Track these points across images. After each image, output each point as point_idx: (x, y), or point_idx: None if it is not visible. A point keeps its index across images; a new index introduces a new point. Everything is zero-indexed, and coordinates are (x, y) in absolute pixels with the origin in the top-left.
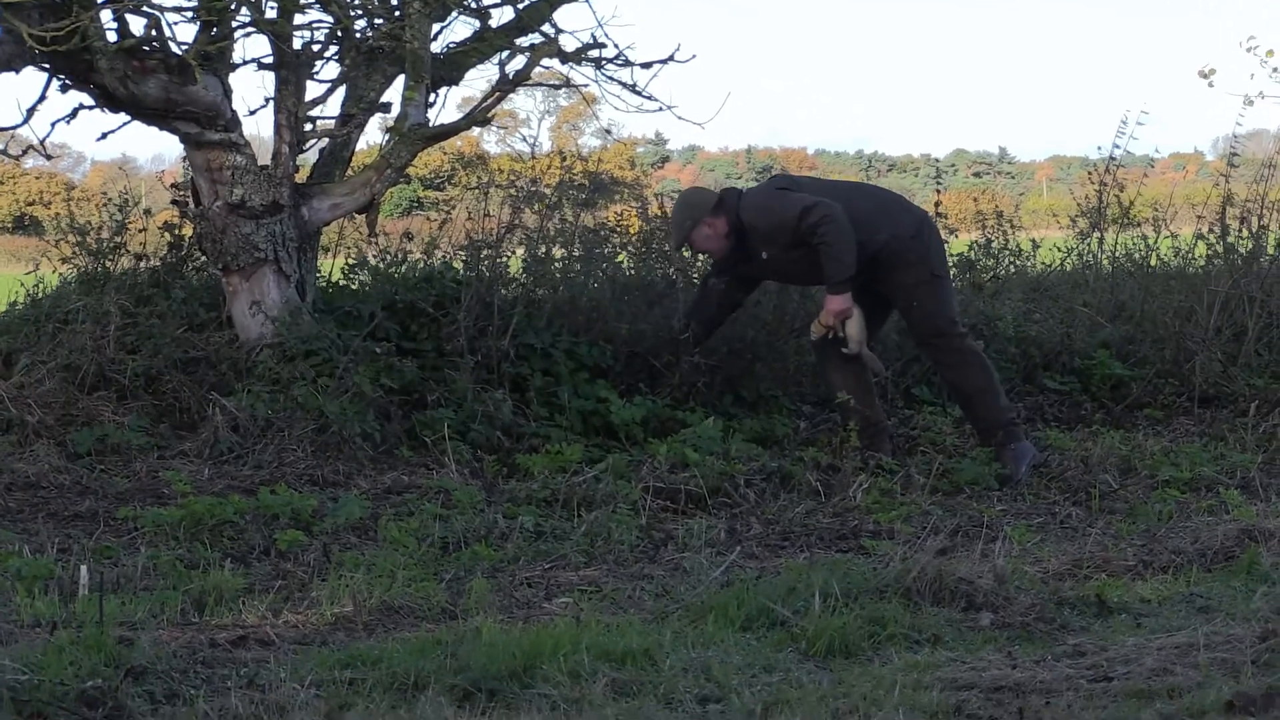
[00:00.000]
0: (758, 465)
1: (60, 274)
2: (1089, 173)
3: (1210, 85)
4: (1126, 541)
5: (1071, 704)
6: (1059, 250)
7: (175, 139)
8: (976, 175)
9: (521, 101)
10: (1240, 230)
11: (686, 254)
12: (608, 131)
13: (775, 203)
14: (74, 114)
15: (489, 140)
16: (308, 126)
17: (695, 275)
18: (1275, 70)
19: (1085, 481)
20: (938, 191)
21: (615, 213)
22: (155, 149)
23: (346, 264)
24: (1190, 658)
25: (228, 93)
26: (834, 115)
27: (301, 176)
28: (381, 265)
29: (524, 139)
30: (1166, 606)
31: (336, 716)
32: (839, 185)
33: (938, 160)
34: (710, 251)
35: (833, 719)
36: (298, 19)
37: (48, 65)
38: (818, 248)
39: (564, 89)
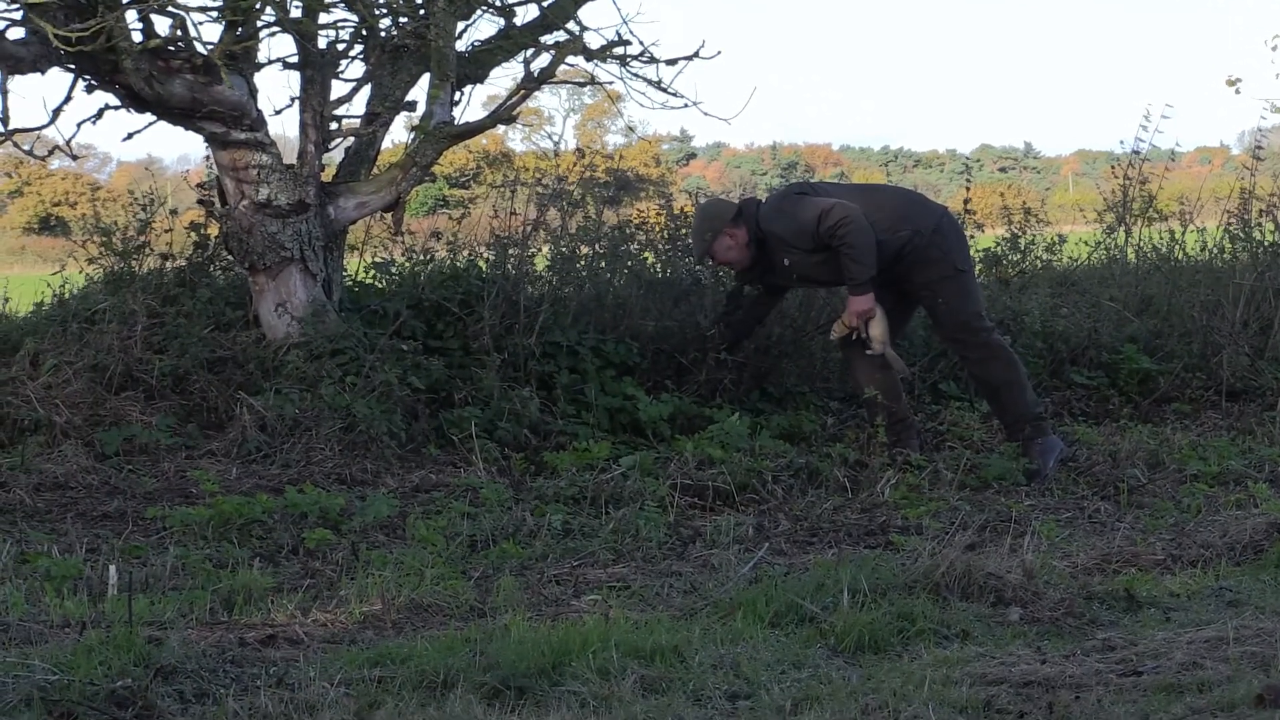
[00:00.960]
0: (785, 461)
1: (87, 274)
2: (1113, 167)
3: (1237, 93)
4: (1155, 536)
5: (1101, 698)
6: (1086, 245)
7: (201, 139)
8: (1002, 170)
9: (546, 99)
10: (1263, 223)
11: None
12: (631, 129)
13: (794, 208)
14: (100, 114)
15: (514, 138)
16: (333, 125)
17: (721, 273)
18: None
19: (1113, 476)
20: (966, 187)
21: (640, 210)
22: (181, 149)
23: (372, 263)
24: (1220, 651)
25: (253, 92)
26: (859, 112)
27: (327, 175)
28: (407, 264)
29: (549, 137)
30: (1195, 600)
31: (366, 715)
32: (855, 187)
33: (966, 156)
34: (732, 262)
35: (862, 715)
36: (322, 18)
37: (73, 66)
38: (839, 250)
39: (589, 87)
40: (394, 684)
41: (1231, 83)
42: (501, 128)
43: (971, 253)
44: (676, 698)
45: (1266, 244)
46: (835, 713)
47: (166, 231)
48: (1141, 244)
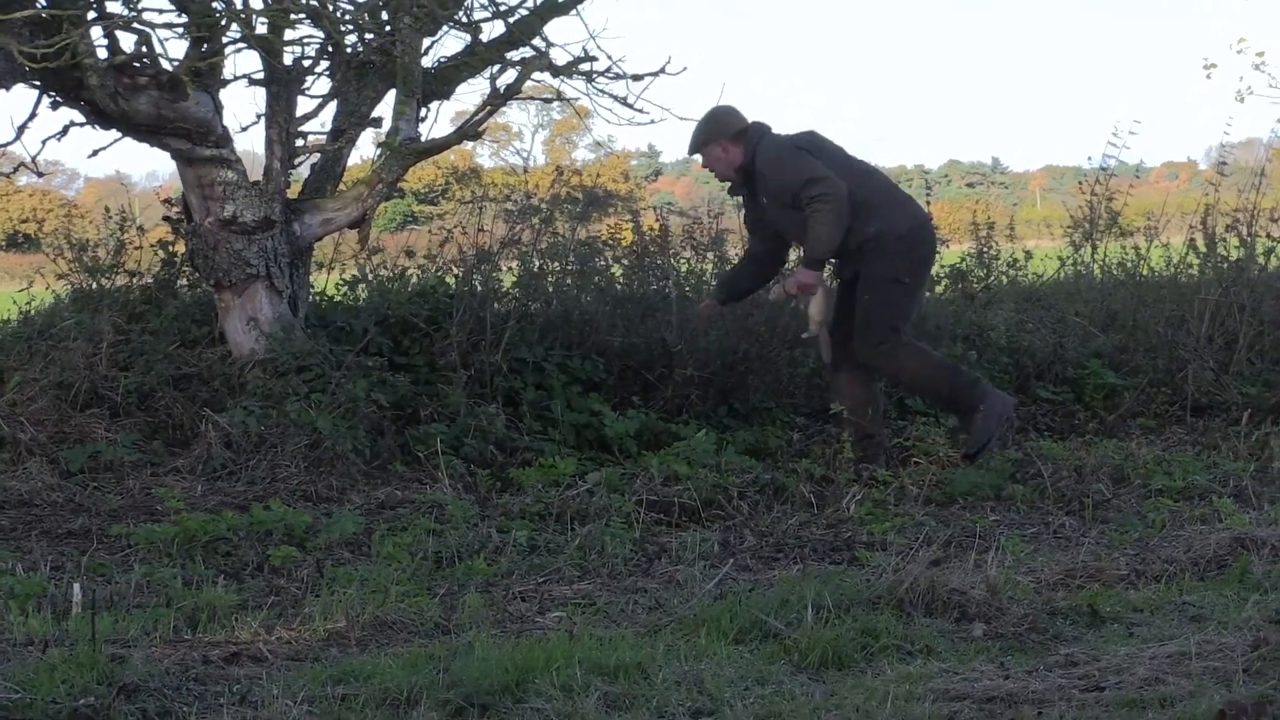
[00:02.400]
0: (751, 477)
1: (54, 291)
2: (1079, 183)
3: (1209, 78)
4: (1119, 551)
5: (1064, 714)
6: (1057, 259)
7: (168, 155)
8: (970, 186)
9: (515, 115)
10: (1229, 238)
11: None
12: (599, 145)
13: (790, 160)
14: (65, 131)
15: (483, 154)
16: (299, 142)
17: (689, 288)
18: (1262, 65)
19: (1078, 491)
20: (927, 203)
21: (609, 226)
22: (150, 165)
23: (341, 280)
24: (1182, 667)
25: (219, 109)
26: (829, 123)
27: (293, 192)
28: (377, 281)
29: (517, 152)
30: (1159, 615)
31: None
32: (856, 165)
33: (929, 172)
34: (715, 173)
35: None
36: (288, 34)
37: (38, 82)
38: (809, 218)
39: (556, 103)
40: (357, 702)
41: (1206, 68)
42: (469, 143)
43: (932, 270)
44: (640, 715)
45: (1231, 259)
46: None
47: (135, 249)
48: (1107, 259)
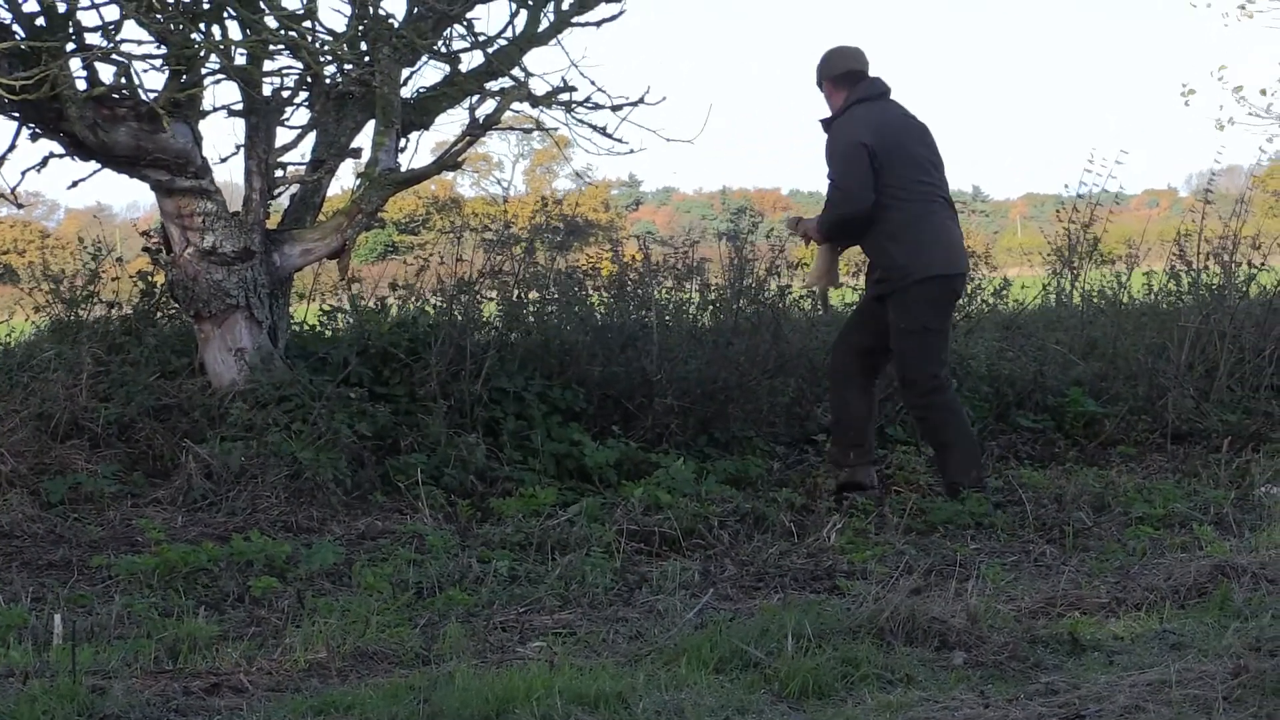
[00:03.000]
0: (731, 507)
1: (33, 322)
2: (1058, 212)
3: (1188, 104)
4: (1100, 579)
5: None
6: (1042, 287)
7: (148, 186)
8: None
9: (495, 145)
10: (1208, 265)
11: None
12: (579, 175)
13: (841, 149)
14: (44, 162)
15: (463, 184)
16: (278, 172)
17: (669, 317)
18: (1243, 99)
19: (1059, 519)
20: None
21: (589, 256)
22: (130, 196)
23: (321, 310)
24: (1162, 695)
25: (198, 140)
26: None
27: (273, 222)
28: (357, 312)
29: (498, 182)
30: (1139, 644)
31: None
32: (919, 189)
33: None
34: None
35: None
36: (267, 65)
37: (17, 114)
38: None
39: (536, 132)
40: None
41: (1184, 94)
42: (449, 174)
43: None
44: None
45: (1212, 287)
46: None
47: (114, 280)
48: (1088, 287)
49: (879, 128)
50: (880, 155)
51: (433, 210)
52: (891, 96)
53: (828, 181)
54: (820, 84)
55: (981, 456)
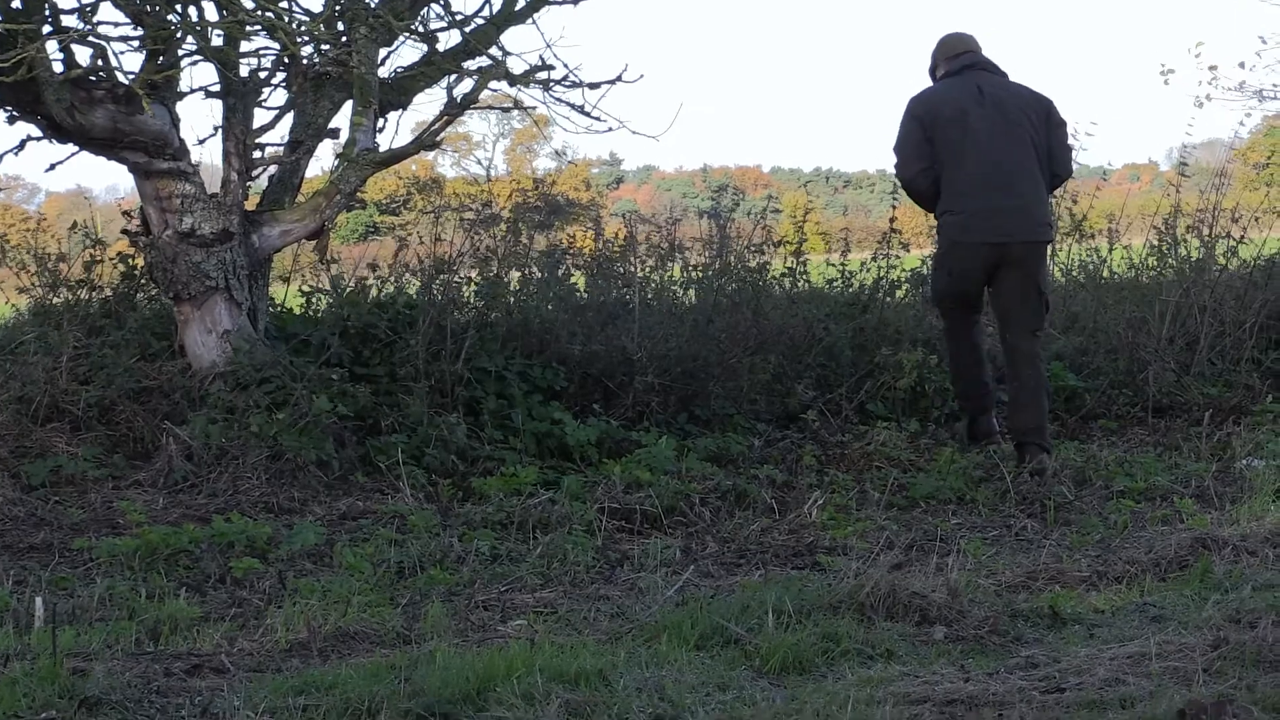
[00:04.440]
0: (712, 484)
1: (13, 305)
2: None
3: (1166, 84)
4: (1081, 552)
5: (1024, 716)
6: None
7: (126, 169)
8: None
9: (476, 125)
10: (1188, 239)
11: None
12: (559, 154)
13: (903, 117)
14: (21, 145)
15: (444, 164)
16: (256, 153)
17: (650, 295)
18: (1215, 80)
19: (1040, 493)
20: (893, 208)
21: (569, 235)
22: (110, 179)
23: (301, 291)
24: (1142, 667)
25: (175, 121)
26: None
27: (251, 204)
28: (338, 291)
29: (479, 162)
30: (1120, 617)
31: None
32: (967, 151)
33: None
34: None
35: None
36: (244, 46)
37: None
38: None
39: (516, 111)
40: (319, 712)
41: (1163, 73)
42: (431, 154)
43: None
44: None
45: (1192, 260)
46: None
47: (96, 263)
48: (1068, 262)
49: (920, 101)
50: (937, 130)
51: (414, 190)
52: (984, 69)
53: None
54: (934, 68)
55: (983, 400)
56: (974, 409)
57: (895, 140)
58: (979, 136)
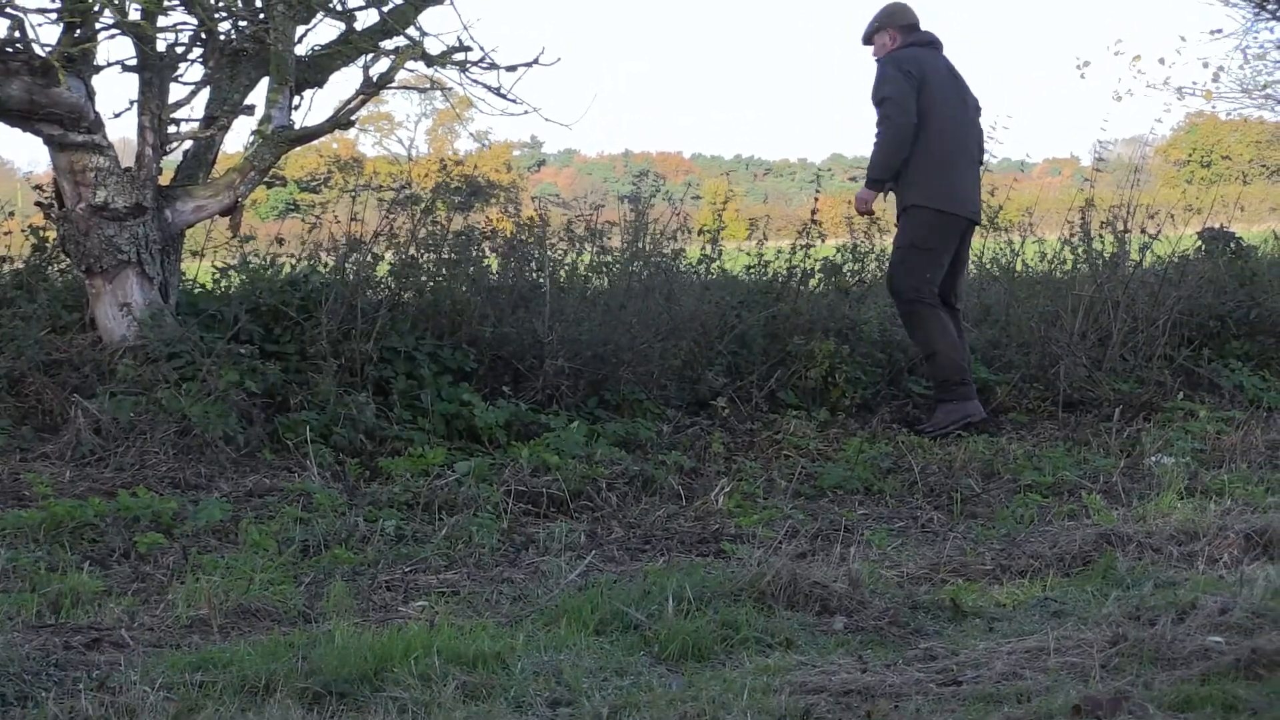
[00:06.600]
0: (620, 469)
1: None
2: None
3: (1083, 77)
4: (985, 546)
5: (920, 708)
6: None
7: (41, 141)
8: (853, 180)
9: (398, 105)
10: (1103, 234)
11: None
12: (475, 138)
13: (884, 71)
14: None
15: (365, 143)
16: (171, 129)
17: (562, 280)
18: (1140, 73)
19: (948, 485)
20: (815, 197)
21: (487, 218)
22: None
23: (214, 268)
24: (1040, 662)
25: (91, 95)
26: (710, 121)
27: (166, 179)
28: (248, 269)
29: (400, 142)
30: (1021, 611)
31: (185, 719)
32: (951, 116)
33: (818, 166)
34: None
35: None
36: (161, 21)
37: None
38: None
39: (437, 92)
40: (215, 688)
41: (1079, 66)
42: (353, 132)
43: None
44: (497, 704)
45: (1106, 255)
46: None
47: (5, 234)
48: (982, 254)
49: (910, 57)
50: (923, 93)
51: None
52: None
53: (878, 111)
54: (877, 34)
55: (966, 368)
56: (967, 391)
57: (886, 88)
58: (953, 110)
